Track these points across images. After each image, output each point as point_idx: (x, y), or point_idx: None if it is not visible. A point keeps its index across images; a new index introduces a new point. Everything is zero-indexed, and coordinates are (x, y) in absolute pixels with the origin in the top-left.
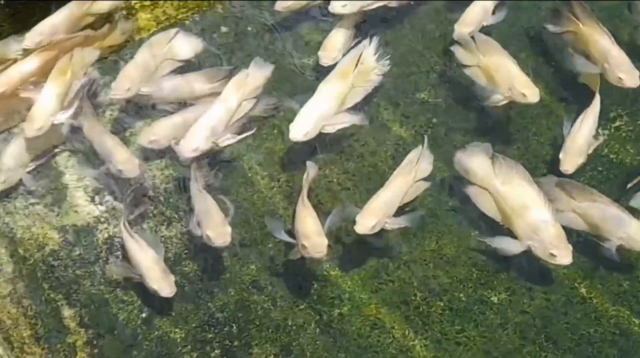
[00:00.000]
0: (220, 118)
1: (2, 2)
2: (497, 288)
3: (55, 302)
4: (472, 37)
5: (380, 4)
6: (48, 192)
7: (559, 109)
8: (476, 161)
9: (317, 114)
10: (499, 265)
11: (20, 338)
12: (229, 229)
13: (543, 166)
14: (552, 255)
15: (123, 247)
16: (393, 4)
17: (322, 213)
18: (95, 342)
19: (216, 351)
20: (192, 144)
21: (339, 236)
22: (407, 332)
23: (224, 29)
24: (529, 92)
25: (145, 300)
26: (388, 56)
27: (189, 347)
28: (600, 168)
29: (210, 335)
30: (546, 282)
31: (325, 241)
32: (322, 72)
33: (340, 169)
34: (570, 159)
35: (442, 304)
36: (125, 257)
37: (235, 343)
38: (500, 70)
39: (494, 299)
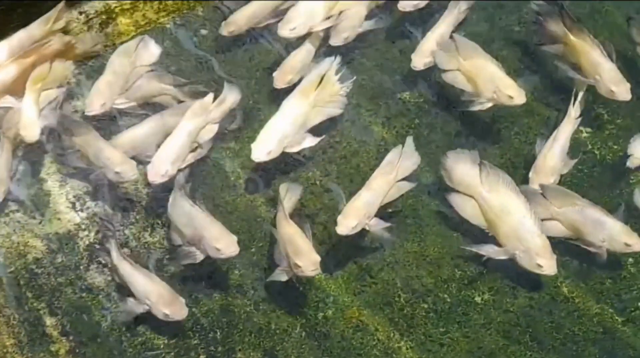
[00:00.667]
0: (184, 142)
1: None
2: (481, 289)
3: (38, 310)
4: (452, 39)
5: (329, 24)
6: (29, 199)
7: (540, 107)
8: (463, 169)
9: (280, 133)
10: (482, 266)
11: (3, 347)
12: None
13: (525, 165)
14: (539, 266)
15: (120, 277)
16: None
17: (304, 215)
18: (78, 350)
19: (201, 357)
20: (160, 170)
21: (322, 238)
22: (391, 334)
23: (203, 31)
24: (515, 93)
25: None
26: (353, 78)
27: (173, 353)
28: (582, 166)
29: (195, 341)
30: (529, 282)
31: (318, 258)
32: None
33: (322, 171)
34: (540, 179)
35: (426, 306)
36: (123, 287)
37: (220, 348)
38: (483, 73)
39: (478, 299)
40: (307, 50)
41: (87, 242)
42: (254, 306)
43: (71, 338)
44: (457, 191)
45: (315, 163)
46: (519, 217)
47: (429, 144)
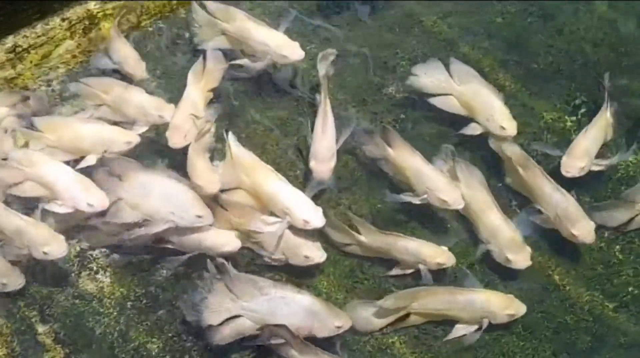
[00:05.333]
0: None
1: None
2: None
3: (30, 319)
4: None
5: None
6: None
7: (524, 97)
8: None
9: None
10: (473, 257)
11: None
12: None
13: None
14: (508, 260)
15: None
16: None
17: None
18: (72, 357)
19: None
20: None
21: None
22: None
23: (186, 34)
24: (508, 125)
25: (121, 311)
26: None
27: (167, 357)
28: None
29: (189, 344)
30: (520, 271)
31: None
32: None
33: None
34: (572, 163)
35: None
36: None
37: (214, 350)
38: (479, 99)
39: None
40: (192, 102)
41: (77, 248)
42: None
43: (65, 346)
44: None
45: (304, 161)
46: (490, 212)
47: (415, 138)
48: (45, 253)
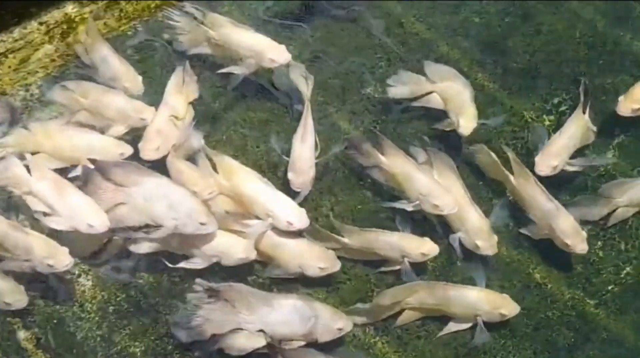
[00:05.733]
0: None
1: None
2: (453, 279)
3: (12, 325)
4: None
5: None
6: None
7: (503, 97)
8: None
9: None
10: (454, 256)
11: None
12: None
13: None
14: (477, 246)
15: None
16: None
17: None
18: None
19: None
20: (152, 145)
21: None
22: (367, 329)
23: (165, 36)
24: (464, 123)
25: (103, 315)
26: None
27: None
28: None
29: (170, 347)
30: (501, 270)
31: None
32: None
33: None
34: (545, 161)
35: None
36: None
37: (197, 354)
38: (450, 94)
39: None
40: (169, 111)
41: None
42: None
43: (47, 351)
44: None
45: (282, 162)
46: (461, 202)
47: (396, 138)
48: (50, 266)
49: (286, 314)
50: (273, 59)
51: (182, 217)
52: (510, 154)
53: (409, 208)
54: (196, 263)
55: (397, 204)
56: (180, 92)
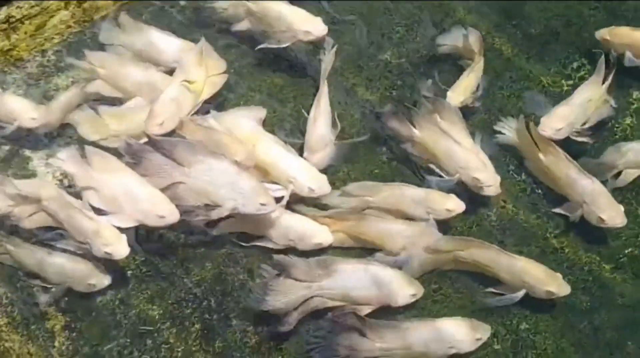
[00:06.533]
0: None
1: None
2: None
3: (31, 288)
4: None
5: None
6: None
7: (522, 62)
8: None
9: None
10: (470, 221)
11: None
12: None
13: (507, 121)
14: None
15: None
16: None
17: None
18: (73, 325)
19: (196, 326)
20: (158, 119)
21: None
22: None
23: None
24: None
25: (121, 280)
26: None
27: (168, 323)
28: None
29: (188, 311)
30: (518, 235)
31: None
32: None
33: None
34: (549, 124)
35: None
36: None
37: (215, 316)
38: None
39: None
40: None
41: None
42: (247, 274)
43: (66, 314)
44: None
45: (299, 128)
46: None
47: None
48: (107, 253)
49: (360, 279)
50: (309, 30)
51: (242, 198)
52: (534, 131)
53: (450, 182)
54: (269, 243)
55: (436, 179)
56: (199, 65)
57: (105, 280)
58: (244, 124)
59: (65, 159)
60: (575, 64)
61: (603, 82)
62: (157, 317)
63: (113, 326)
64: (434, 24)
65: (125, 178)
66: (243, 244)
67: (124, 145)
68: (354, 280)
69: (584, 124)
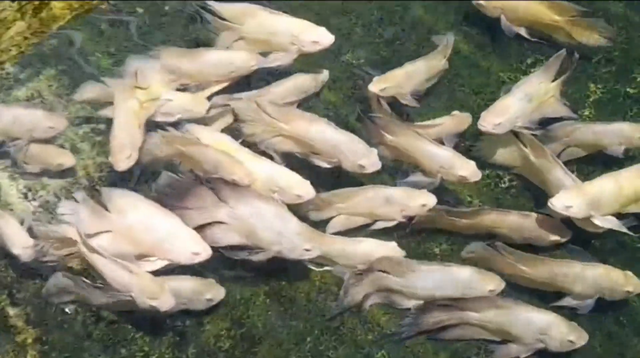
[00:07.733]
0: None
1: None
2: (438, 240)
3: (0, 303)
4: None
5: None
6: None
7: (479, 59)
8: None
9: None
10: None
11: None
12: None
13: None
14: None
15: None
16: None
17: None
18: (44, 338)
19: (169, 333)
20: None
21: None
22: None
23: (139, 9)
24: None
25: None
26: None
27: (142, 332)
28: None
29: (160, 318)
30: None
31: None
32: None
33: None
34: (489, 117)
35: None
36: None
37: (188, 322)
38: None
39: (436, 250)
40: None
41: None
42: (219, 280)
43: (37, 327)
44: None
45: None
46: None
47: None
48: (153, 306)
49: (437, 280)
50: (316, 40)
51: (288, 243)
52: (524, 132)
53: (431, 184)
54: (258, 256)
55: (416, 179)
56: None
57: (221, 292)
58: (218, 137)
59: (71, 211)
60: (529, 60)
61: (555, 79)
62: (130, 326)
63: (85, 337)
64: (392, 24)
65: (149, 214)
66: (234, 257)
67: (168, 180)
68: (434, 280)
69: (539, 119)
